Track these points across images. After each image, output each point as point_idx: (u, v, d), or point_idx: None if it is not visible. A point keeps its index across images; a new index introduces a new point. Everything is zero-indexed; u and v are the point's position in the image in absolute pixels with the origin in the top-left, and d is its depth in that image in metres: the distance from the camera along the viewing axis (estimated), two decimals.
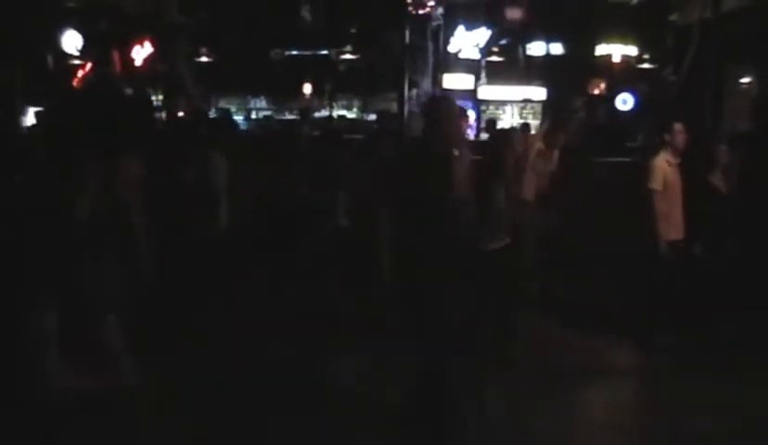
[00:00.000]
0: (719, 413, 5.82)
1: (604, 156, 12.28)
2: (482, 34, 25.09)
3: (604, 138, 18.11)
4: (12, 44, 13.22)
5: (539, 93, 24.28)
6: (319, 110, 26.88)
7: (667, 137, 7.21)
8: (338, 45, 26.83)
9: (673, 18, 19.92)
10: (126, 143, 4.07)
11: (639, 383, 6.94)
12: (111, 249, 4.00)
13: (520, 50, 25.48)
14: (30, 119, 12.93)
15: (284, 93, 27.05)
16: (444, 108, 5.27)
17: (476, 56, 25.43)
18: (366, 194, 7.81)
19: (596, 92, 23.72)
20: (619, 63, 23.22)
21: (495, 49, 25.11)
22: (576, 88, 23.21)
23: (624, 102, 21.36)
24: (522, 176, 7.87)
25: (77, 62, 19.19)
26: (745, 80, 16.75)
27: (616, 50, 23.20)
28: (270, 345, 6.94)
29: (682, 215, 7.12)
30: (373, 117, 23.04)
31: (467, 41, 25.33)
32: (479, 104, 25.59)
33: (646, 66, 22.94)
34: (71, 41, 17.75)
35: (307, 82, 27.35)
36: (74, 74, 19.65)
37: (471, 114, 23.82)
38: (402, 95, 22.76)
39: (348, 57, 26.60)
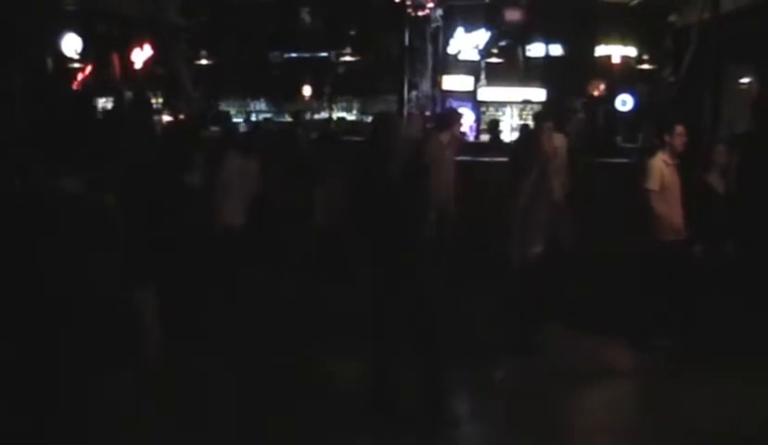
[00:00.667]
0: (719, 413, 5.83)
1: (603, 156, 12.27)
2: (482, 36, 25.08)
3: (603, 139, 18.10)
4: (11, 48, 13.23)
5: (539, 94, 24.25)
6: (318, 112, 26.88)
7: (667, 138, 7.22)
8: (337, 48, 26.81)
9: (672, 18, 19.91)
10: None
11: (638, 384, 6.95)
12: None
13: (520, 51, 25.46)
14: None
15: (283, 95, 27.04)
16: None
17: (475, 57, 25.41)
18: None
19: (596, 93, 23.70)
20: (618, 64, 23.19)
21: (495, 50, 25.08)
22: (576, 89, 23.20)
23: (624, 103, 21.34)
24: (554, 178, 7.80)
25: (77, 65, 19.19)
26: (744, 80, 16.76)
27: (615, 51, 23.17)
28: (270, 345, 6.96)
29: (681, 216, 7.12)
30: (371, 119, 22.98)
31: (467, 42, 25.32)
32: (478, 105, 25.57)
33: (645, 67, 22.91)
34: (71, 44, 17.75)
35: (306, 84, 27.34)
36: (74, 77, 19.67)
37: (471, 115, 23.84)
38: (401, 97, 22.77)
39: (347, 59, 26.57)
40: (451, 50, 25.48)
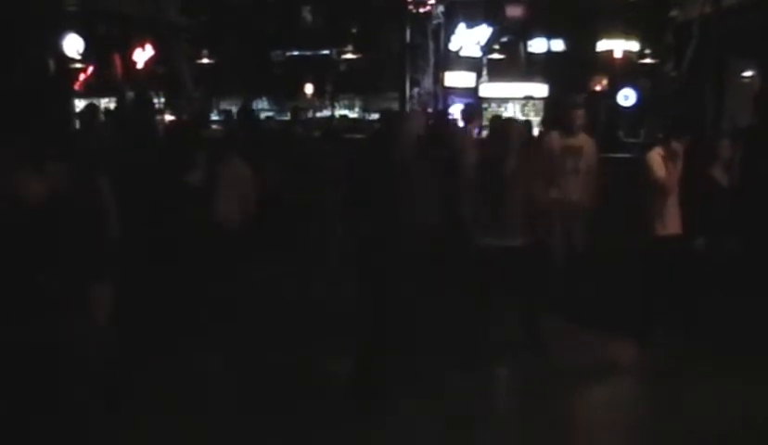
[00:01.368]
0: (720, 411, 5.80)
1: (605, 152, 12.22)
2: (483, 32, 25.07)
3: (605, 134, 18.06)
4: (12, 49, 13.24)
5: (541, 89, 24.21)
6: (321, 110, 26.88)
7: (660, 135, 7.22)
8: (338, 45, 26.81)
9: (674, 13, 19.88)
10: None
11: (639, 381, 6.93)
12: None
13: (521, 47, 25.44)
14: None
15: (285, 93, 27.03)
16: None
17: (477, 53, 25.40)
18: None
19: (598, 88, 23.66)
20: (620, 59, 23.15)
21: (496, 47, 25.06)
22: (578, 84, 23.16)
23: (626, 98, 21.28)
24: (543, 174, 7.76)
25: (78, 66, 19.22)
26: (746, 74, 16.71)
27: (617, 46, 23.12)
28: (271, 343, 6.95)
29: (678, 210, 7.09)
30: (375, 116, 23.07)
31: (468, 39, 25.30)
32: (480, 101, 25.55)
33: (647, 61, 22.87)
34: (73, 44, 17.76)
35: (308, 82, 27.34)
36: (76, 78, 19.70)
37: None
38: (403, 94, 22.75)
39: (349, 56, 26.57)
40: (452, 47, 25.47)
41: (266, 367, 6.48)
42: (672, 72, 19.36)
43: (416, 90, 24.81)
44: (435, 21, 24.87)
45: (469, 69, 25.72)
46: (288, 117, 15.18)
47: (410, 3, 23.45)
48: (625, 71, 22.83)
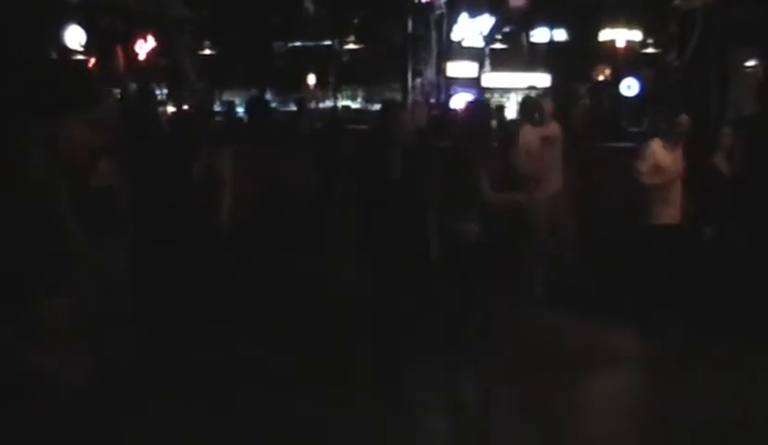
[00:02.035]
0: (724, 399, 5.80)
1: (609, 141, 12.21)
2: (486, 22, 25.04)
3: (609, 124, 18.03)
4: (14, 41, 13.24)
5: (543, 80, 24.18)
6: (323, 101, 26.87)
7: (662, 125, 7.21)
8: (341, 36, 26.77)
9: (677, 2, 19.81)
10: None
11: (642, 370, 6.94)
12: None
13: (524, 37, 25.42)
14: None
15: (288, 84, 27.03)
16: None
17: (479, 44, 25.37)
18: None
19: (601, 78, 23.63)
20: (623, 48, 23.12)
21: (499, 37, 25.05)
22: (580, 74, 23.13)
23: (629, 87, 21.24)
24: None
25: (81, 58, 19.19)
26: (750, 63, 16.66)
27: (620, 35, 23.08)
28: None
29: (680, 199, 7.09)
30: (377, 107, 22.97)
31: (471, 29, 25.27)
32: (483, 92, 25.54)
33: (650, 51, 22.82)
34: (75, 37, 17.74)
35: (311, 73, 27.32)
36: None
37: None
38: (405, 84, 22.75)
39: (351, 47, 26.54)
40: (455, 37, 25.43)
41: (265, 362, 6.46)
42: (674, 62, 19.29)
43: (418, 80, 24.76)
44: (437, 11, 24.82)
45: (472, 59, 25.70)
46: (290, 108, 15.20)
47: None
48: (628, 61, 22.80)
